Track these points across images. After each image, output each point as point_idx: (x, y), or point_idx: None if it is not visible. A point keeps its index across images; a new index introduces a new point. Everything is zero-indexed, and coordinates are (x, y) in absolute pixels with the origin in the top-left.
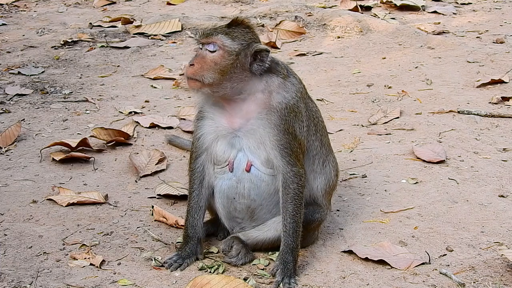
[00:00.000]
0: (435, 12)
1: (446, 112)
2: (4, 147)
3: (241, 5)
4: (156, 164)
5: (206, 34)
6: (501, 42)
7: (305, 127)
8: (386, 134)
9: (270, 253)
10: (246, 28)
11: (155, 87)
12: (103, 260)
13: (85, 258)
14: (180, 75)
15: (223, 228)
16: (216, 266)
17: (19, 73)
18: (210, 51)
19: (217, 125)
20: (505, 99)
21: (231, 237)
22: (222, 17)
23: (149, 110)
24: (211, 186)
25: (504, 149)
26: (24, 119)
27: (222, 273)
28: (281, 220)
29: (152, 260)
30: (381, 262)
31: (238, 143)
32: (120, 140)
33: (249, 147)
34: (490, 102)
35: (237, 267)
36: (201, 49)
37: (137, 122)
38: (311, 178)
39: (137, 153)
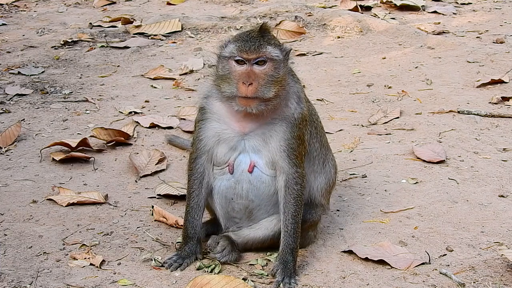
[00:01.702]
0: (435, 12)
1: (446, 112)
2: (4, 147)
3: (241, 5)
4: (156, 164)
5: (254, 49)
6: (501, 42)
7: (309, 132)
8: (386, 134)
9: (268, 253)
10: (271, 32)
11: (155, 87)
12: (103, 260)
13: (85, 258)
14: (180, 75)
15: (222, 228)
16: (213, 266)
17: (19, 73)
18: (260, 65)
19: (223, 128)
20: (505, 99)
21: (222, 235)
22: (222, 17)
23: (149, 110)
24: (210, 186)
25: (504, 149)
26: (24, 119)
27: (218, 273)
28: (281, 220)
29: (152, 260)
30: (381, 262)
31: (242, 145)
32: (120, 140)
33: (255, 148)
34: (490, 102)
35: (237, 267)
36: (246, 64)
37: (137, 122)
38: (311, 178)
39: (137, 153)
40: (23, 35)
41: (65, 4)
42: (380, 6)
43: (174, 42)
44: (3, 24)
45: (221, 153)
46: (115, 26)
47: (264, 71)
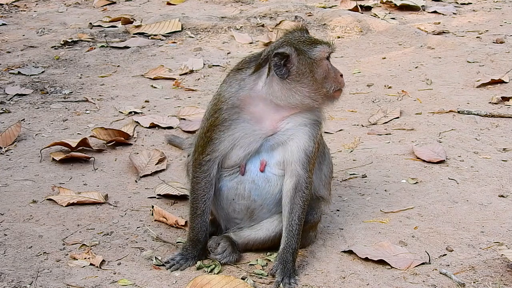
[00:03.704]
0: (435, 12)
1: (446, 112)
2: (4, 147)
3: (241, 5)
4: (156, 164)
5: (333, 44)
6: (501, 42)
7: None
8: (386, 134)
9: (268, 253)
10: None
11: (155, 87)
12: (103, 260)
13: (85, 258)
14: (180, 75)
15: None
16: (213, 266)
17: (19, 73)
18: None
19: (253, 129)
20: (505, 99)
21: (222, 235)
22: (222, 17)
23: (149, 110)
24: (214, 187)
25: (504, 149)
26: (24, 119)
27: (218, 273)
28: (285, 221)
29: (152, 260)
30: (381, 262)
31: (260, 145)
32: (120, 140)
33: (272, 148)
34: (490, 102)
35: (237, 267)
36: (329, 60)
37: (137, 122)
38: (318, 172)
39: (137, 153)
40: (23, 35)
41: (65, 4)
42: (380, 6)
43: (174, 42)
44: (3, 24)
45: (236, 157)
46: (115, 26)
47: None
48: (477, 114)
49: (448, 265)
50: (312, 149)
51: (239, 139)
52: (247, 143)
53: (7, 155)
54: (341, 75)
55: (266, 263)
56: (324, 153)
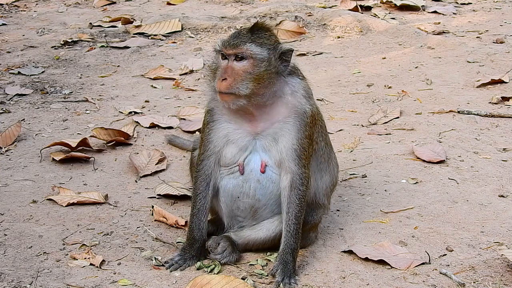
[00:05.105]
0: (435, 12)
1: (446, 112)
2: (4, 147)
3: (241, 5)
4: (156, 164)
5: (233, 45)
6: (501, 42)
7: (317, 131)
8: (386, 134)
9: (268, 253)
10: (268, 31)
11: (155, 87)
12: (103, 260)
13: (85, 258)
14: (180, 75)
15: (223, 228)
16: (213, 266)
17: (19, 73)
18: (239, 62)
19: (234, 128)
20: (505, 99)
21: (222, 235)
22: (222, 17)
23: (149, 110)
24: (216, 187)
25: (504, 149)
26: (24, 119)
27: (218, 273)
28: (283, 220)
29: (152, 260)
30: (381, 262)
31: (252, 145)
32: (120, 140)
33: (266, 148)
34: (490, 102)
35: (237, 267)
36: (227, 60)
37: (137, 122)
38: (318, 177)
39: (137, 153)
40: (23, 35)
41: (65, 4)
42: (380, 6)
43: (174, 42)
44: (3, 24)
45: (230, 154)
46: (115, 26)
47: (243, 67)
48: (477, 114)
49: (448, 265)
50: (298, 146)
51: (225, 137)
52: (235, 139)
53: (7, 155)
54: (221, 79)
55: (266, 263)
56: (328, 162)
